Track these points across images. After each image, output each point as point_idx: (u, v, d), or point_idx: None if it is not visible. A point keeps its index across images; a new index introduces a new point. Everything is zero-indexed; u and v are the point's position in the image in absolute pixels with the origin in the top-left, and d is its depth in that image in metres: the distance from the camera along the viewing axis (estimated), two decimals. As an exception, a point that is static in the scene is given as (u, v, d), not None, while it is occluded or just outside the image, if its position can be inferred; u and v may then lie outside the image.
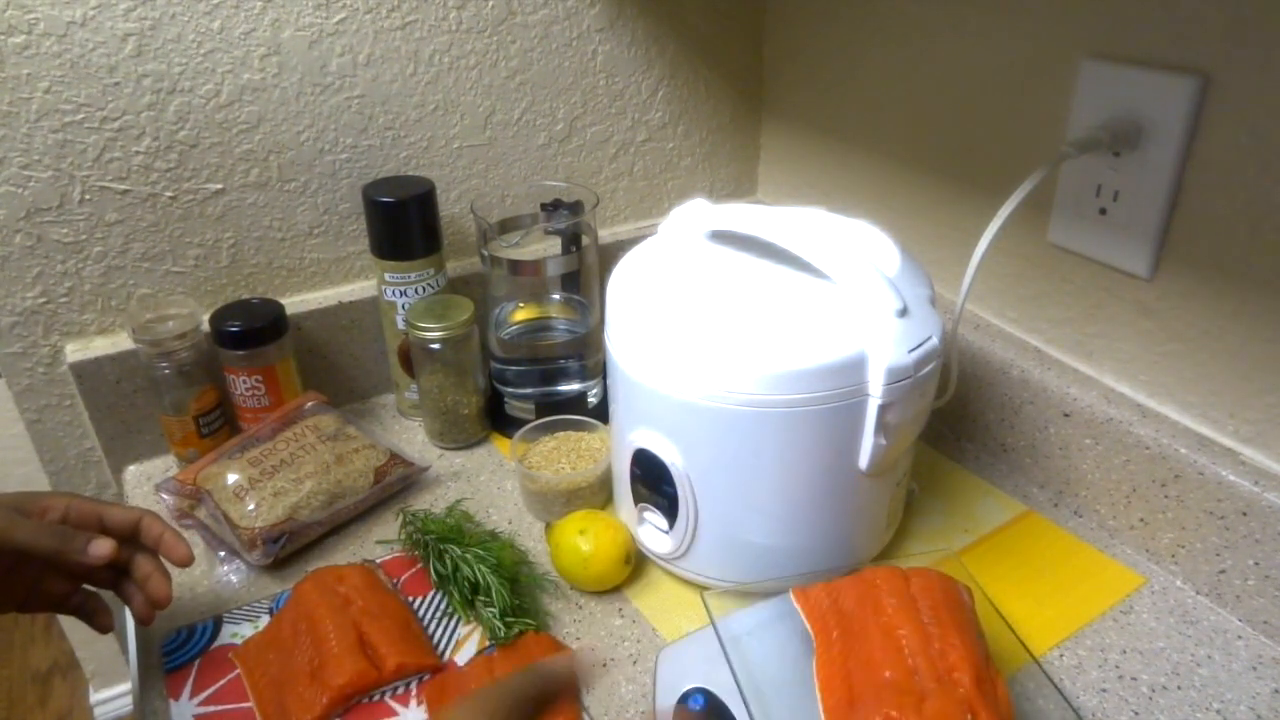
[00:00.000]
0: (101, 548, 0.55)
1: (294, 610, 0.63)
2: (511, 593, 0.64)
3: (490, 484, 0.81)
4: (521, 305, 0.88)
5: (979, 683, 0.50)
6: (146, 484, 0.81)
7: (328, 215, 0.87)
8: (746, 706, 0.52)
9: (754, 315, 0.58)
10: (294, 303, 0.87)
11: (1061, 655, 0.63)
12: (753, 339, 0.57)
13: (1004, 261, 0.79)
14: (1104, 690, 0.60)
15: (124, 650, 1.18)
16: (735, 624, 0.58)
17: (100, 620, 0.61)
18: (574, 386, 0.88)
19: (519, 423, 0.81)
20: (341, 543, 0.74)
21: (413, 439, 0.87)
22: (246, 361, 0.78)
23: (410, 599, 0.67)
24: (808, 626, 0.55)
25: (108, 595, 0.61)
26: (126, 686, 1.41)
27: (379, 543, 0.73)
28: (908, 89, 0.84)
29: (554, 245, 0.85)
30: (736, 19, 0.99)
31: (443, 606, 0.66)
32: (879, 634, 0.53)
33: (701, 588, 0.66)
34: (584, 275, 0.85)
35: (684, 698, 0.56)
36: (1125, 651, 0.63)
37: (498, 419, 0.88)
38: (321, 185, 0.85)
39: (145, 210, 0.78)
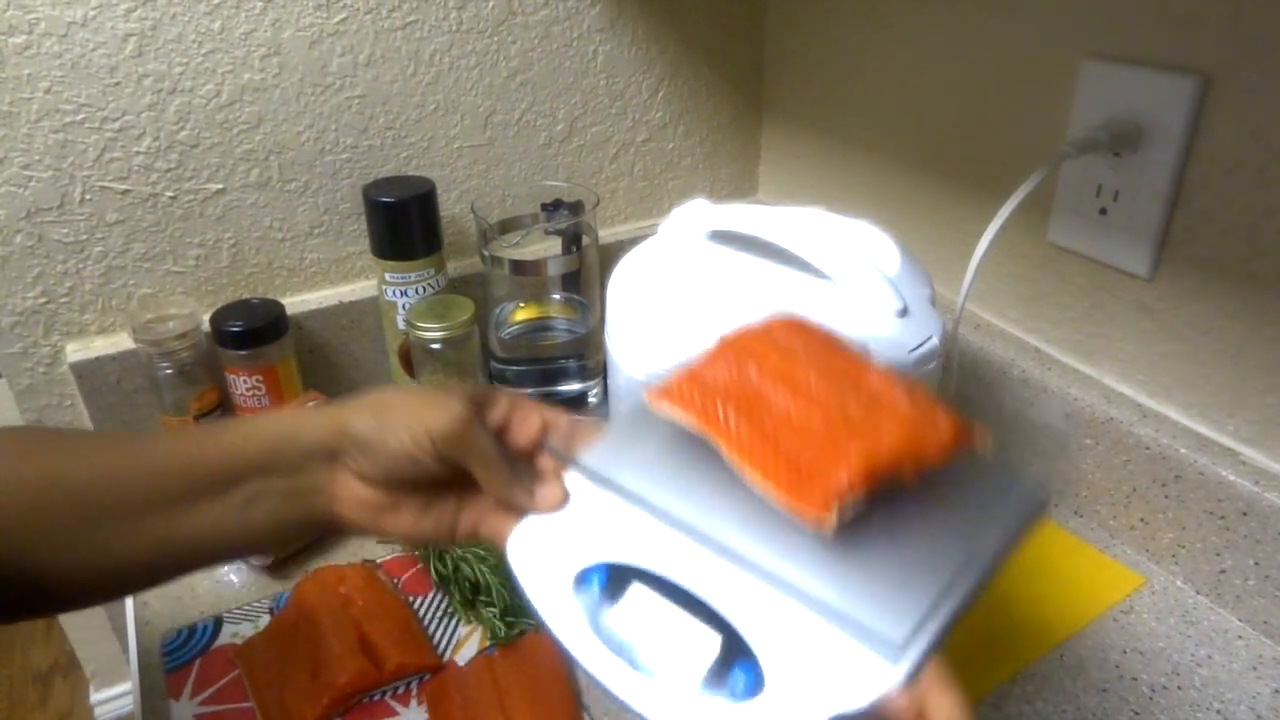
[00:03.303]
0: (552, 498, 0.46)
1: (295, 610, 0.63)
2: (511, 592, 0.64)
3: (490, 484, 0.81)
4: (522, 305, 0.88)
5: (912, 395, 0.43)
6: (147, 484, 0.81)
7: (328, 215, 0.87)
8: (683, 530, 0.42)
9: (754, 315, 0.58)
10: (294, 303, 0.87)
11: (1062, 655, 0.63)
12: (753, 338, 0.57)
13: (1004, 261, 0.79)
14: (1104, 690, 0.60)
15: (124, 650, 1.18)
16: (593, 462, 0.48)
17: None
18: (574, 386, 0.88)
19: (519, 423, 0.81)
20: (342, 543, 0.74)
21: (413, 439, 0.87)
22: (247, 361, 0.78)
23: (411, 599, 0.67)
24: (688, 425, 0.45)
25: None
26: (126, 686, 1.40)
27: (379, 543, 0.73)
28: (908, 89, 0.84)
29: (554, 245, 0.85)
30: (737, 19, 0.99)
31: (443, 606, 0.67)
32: (781, 394, 0.44)
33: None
34: (584, 275, 0.85)
35: (581, 582, 0.43)
36: (1125, 651, 0.63)
37: (498, 419, 0.88)
38: (322, 185, 0.85)
39: (146, 210, 0.78)
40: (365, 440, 0.45)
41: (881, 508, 0.40)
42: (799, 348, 0.47)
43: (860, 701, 0.35)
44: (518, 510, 0.47)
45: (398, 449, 0.45)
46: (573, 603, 0.42)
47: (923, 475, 0.41)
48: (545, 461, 0.49)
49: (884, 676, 0.36)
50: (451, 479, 0.47)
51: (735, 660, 0.38)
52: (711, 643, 0.38)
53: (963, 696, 0.35)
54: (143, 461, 0.44)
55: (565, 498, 0.47)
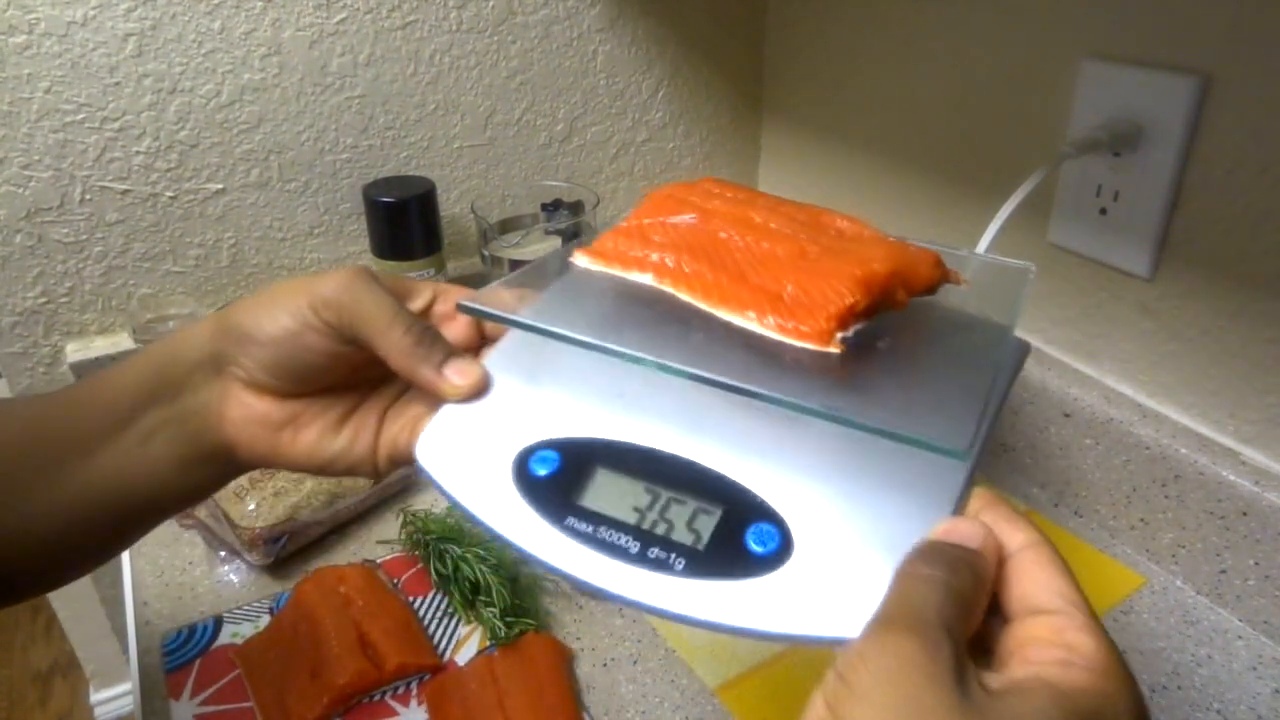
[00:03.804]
0: (467, 376, 0.38)
1: (294, 610, 0.63)
2: (511, 592, 0.64)
3: (490, 484, 0.81)
4: (522, 305, 0.88)
5: (880, 233, 0.42)
6: (147, 484, 0.81)
7: (328, 215, 0.87)
8: (671, 372, 0.34)
9: None
10: (294, 303, 0.87)
11: (1061, 655, 0.63)
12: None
13: (1004, 261, 0.79)
14: (1104, 690, 0.60)
15: (124, 650, 1.18)
16: (528, 316, 0.39)
17: None
18: (574, 386, 0.87)
19: (519, 423, 0.81)
20: (342, 543, 0.74)
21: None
22: (247, 361, 0.78)
23: (410, 599, 0.67)
24: (638, 277, 0.40)
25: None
26: (126, 686, 1.40)
27: (379, 543, 0.73)
28: (908, 89, 0.84)
29: (554, 245, 0.85)
30: (737, 19, 0.99)
31: (443, 606, 0.67)
32: (739, 233, 0.40)
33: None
34: (584, 275, 0.85)
35: (524, 464, 0.35)
36: (1125, 651, 0.62)
37: (498, 419, 0.87)
38: (322, 185, 0.85)
39: (146, 210, 0.78)
40: (244, 331, 0.39)
41: (878, 341, 0.37)
42: (742, 196, 0.43)
43: (918, 533, 0.31)
44: (429, 393, 0.39)
45: (277, 332, 0.38)
46: (515, 496, 0.34)
47: (911, 298, 0.38)
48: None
49: (943, 500, 0.32)
50: (361, 372, 0.41)
51: (744, 530, 0.32)
52: (710, 517, 0.33)
53: (1034, 528, 0.32)
54: (44, 414, 0.40)
55: (484, 378, 0.38)
